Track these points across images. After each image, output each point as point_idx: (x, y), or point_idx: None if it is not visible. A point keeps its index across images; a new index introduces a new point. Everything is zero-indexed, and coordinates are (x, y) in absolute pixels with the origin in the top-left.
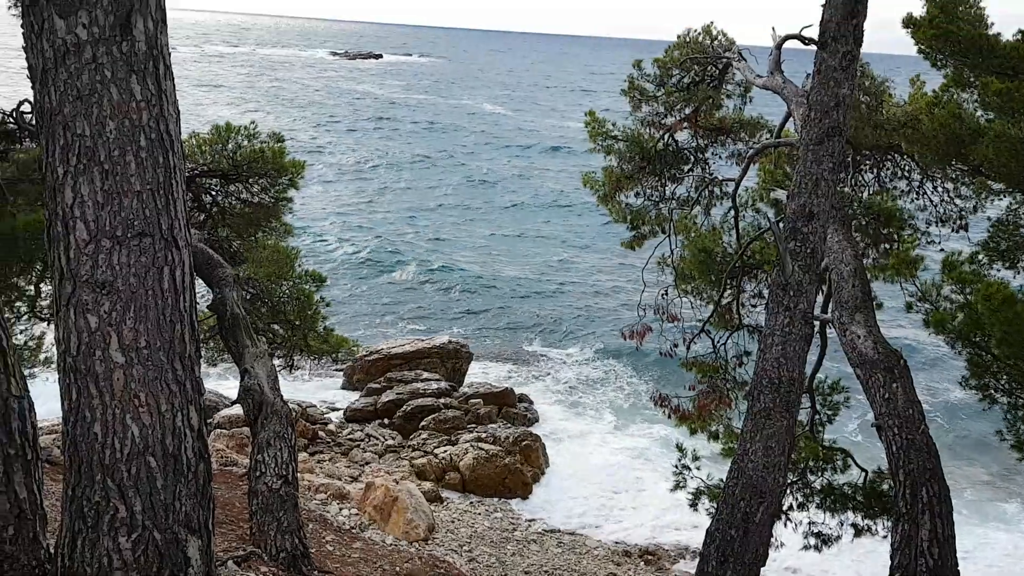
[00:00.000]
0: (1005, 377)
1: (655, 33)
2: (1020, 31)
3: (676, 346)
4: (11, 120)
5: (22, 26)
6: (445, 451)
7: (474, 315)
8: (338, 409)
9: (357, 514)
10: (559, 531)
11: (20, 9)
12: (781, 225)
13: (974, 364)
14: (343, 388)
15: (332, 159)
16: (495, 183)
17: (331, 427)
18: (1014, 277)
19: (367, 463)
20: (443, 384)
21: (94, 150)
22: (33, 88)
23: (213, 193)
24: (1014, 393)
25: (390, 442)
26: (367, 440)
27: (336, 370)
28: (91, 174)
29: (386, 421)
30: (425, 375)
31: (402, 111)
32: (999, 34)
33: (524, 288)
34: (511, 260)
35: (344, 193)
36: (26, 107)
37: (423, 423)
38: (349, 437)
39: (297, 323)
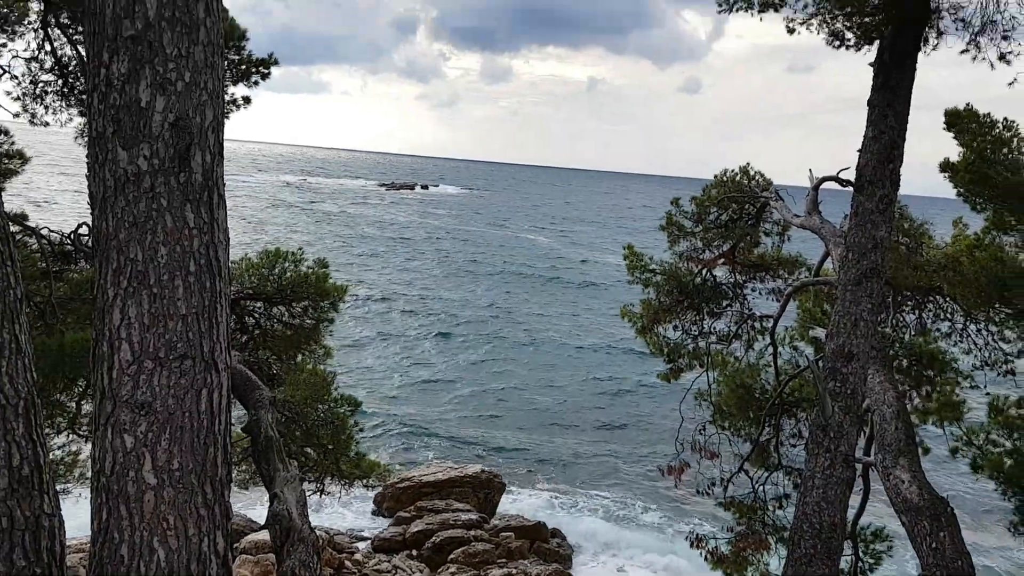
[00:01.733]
0: None
1: (696, 172)
2: None
3: (714, 484)
4: (68, 242)
5: (87, 156)
6: None
7: (509, 443)
8: (366, 538)
9: None
10: None
11: (86, 140)
12: (820, 364)
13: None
14: (373, 514)
15: (376, 281)
16: (534, 312)
17: (358, 556)
18: None
19: None
20: (474, 515)
21: (145, 274)
22: (92, 213)
23: (256, 315)
24: None
25: (417, 575)
26: (394, 572)
27: (367, 495)
28: (139, 297)
29: (415, 552)
30: (456, 505)
31: (448, 242)
32: None
33: (560, 418)
34: (547, 389)
35: (384, 317)
36: (83, 230)
37: (452, 555)
38: (376, 568)
39: (330, 447)
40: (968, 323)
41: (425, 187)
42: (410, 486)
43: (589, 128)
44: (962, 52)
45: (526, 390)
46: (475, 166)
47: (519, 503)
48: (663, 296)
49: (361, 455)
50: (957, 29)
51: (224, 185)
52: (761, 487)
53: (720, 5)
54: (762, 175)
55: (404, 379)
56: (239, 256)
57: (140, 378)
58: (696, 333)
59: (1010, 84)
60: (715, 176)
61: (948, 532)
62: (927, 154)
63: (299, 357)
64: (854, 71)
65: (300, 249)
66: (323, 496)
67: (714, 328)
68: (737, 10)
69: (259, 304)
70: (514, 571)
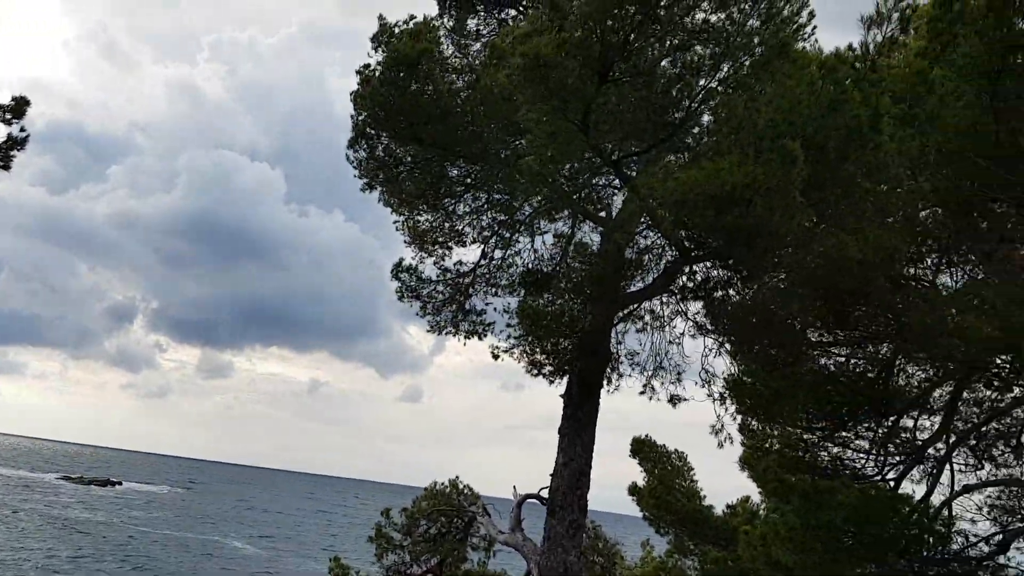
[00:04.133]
0: None
1: (414, 480)
2: (728, 505)
3: None
4: None
5: None
6: None
7: None
8: None
9: None
10: None
11: None
12: None
13: None
14: None
15: None
16: None
17: None
18: None
19: None
20: None
21: None
22: None
23: None
24: None
25: None
26: None
27: None
28: None
29: None
30: None
31: (143, 544)
32: (711, 507)
33: None
34: None
35: None
36: None
37: None
38: None
39: None
40: None
41: (118, 483)
42: None
43: (311, 429)
44: (640, 393)
45: None
46: (186, 463)
47: None
48: None
49: None
50: (632, 372)
51: None
52: None
53: (430, 328)
54: (471, 488)
55: None
56: None
57: None
58: None
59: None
60: (426, 488)
61: None
62: (623, 473)
63: None
64: (558, 391)
65: None
66: None
67: None
68: (446, 334)
69: None
70: None
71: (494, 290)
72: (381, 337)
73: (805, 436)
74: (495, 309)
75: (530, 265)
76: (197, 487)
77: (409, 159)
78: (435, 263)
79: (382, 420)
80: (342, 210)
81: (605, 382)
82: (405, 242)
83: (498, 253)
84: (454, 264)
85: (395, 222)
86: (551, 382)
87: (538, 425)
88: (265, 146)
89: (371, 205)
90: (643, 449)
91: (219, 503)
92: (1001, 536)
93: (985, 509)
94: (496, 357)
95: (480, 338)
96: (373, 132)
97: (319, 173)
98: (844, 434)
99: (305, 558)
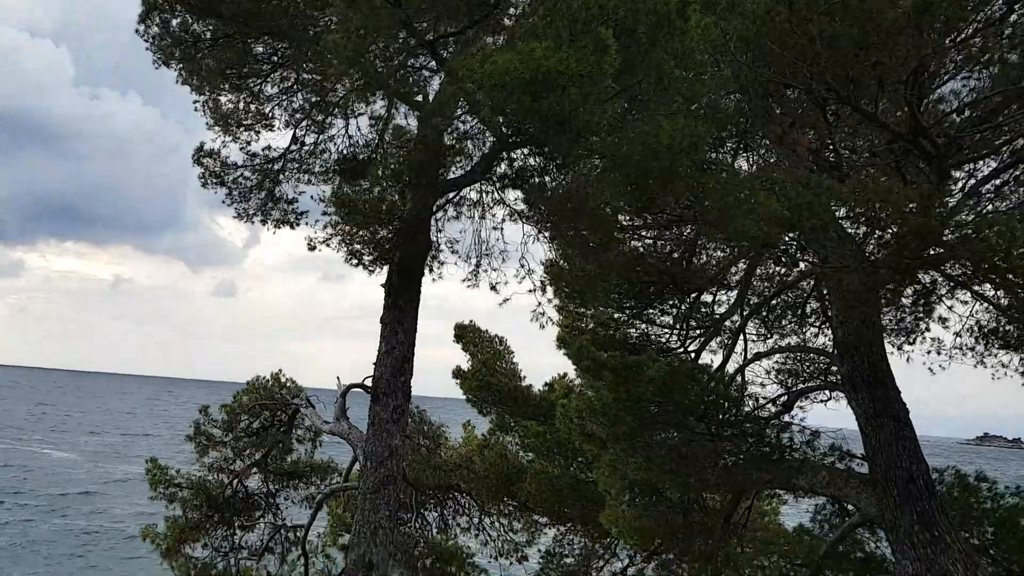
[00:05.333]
0: None
1: (233, 375)
2: (546, 383)
3: None
4: None
5: None
6: None
7: None
8: None
9: None
10: None
11: None
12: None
13: None
14: None
15: None
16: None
17: None
18: None
19: None
20: None
21: None
22: None
23: None
24: None
25: None
26: None
27: None
28: None
29: None
30: None
31: None
32: (530, 386)
33: None
34: None
35: None
36: None
37: None
38: None
39: None
40: (483, 516)
41: None
42: None
43: (118, 328)
44: (462, 280)
45: None
46: None
47: None
48: (190, 512)
49: None
50: (455, 260)
51: None
52: None
53: (237, 215)
54: (294, 381)
55: None
56: None
57: None
58: (227, 549)
59: (501, 304)
60: (247, 383)
61: None
62: (447, 358)
63: None
64: (379, 281)
65: None
66: None
67: (246, 542)
68: (256, 222)
69: None
70: None
71: (307, 177)
72: (189, 230)
73: (616, 315)
74: (311, 197)
75: (345, 151)
76: None
77: (208, 35)
78: (241, 148)
79: (194, 317)
80: (139, 93)
81: (427, 270)
82: (207, 124)
83: (310, 138)
84: (262, 149)
85: (195, 102)
86: (371, 272)
87: (361, 316)
88: (45, 19)
89: (170, 86)
90: (466, 334)
91: (17, 409)
92: (786, 397)
93: (773, 373)
94: (312, 248)
95: (292, 227)
96: (167, 4)
97: (109, 51)
98: (651, 311)
99: (122, 462)
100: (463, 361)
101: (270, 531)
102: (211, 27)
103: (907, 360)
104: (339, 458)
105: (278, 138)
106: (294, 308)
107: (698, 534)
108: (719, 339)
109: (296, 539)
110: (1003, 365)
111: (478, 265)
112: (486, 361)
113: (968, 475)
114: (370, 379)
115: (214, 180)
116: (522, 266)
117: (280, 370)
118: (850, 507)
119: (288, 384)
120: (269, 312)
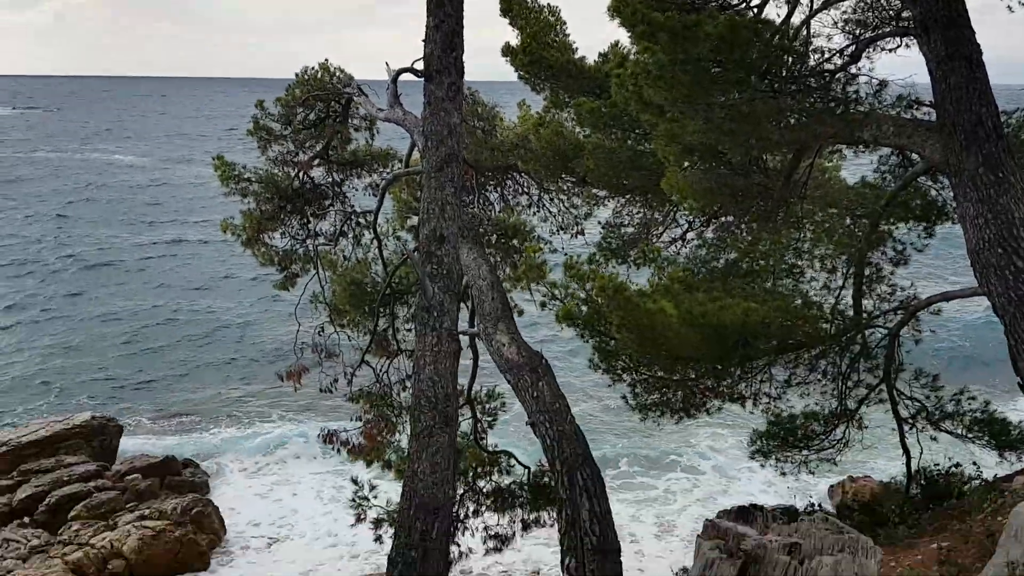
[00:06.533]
0: (625, 358)
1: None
2: (600, 54)
3: (336, 381)
4: None
5: None
6: (103, 538)
7: (119, 381)
8: None
9: None
10: None
11: None
12: (417, 251)
13: (599, 349)
14: None
15: None
16: (130, 234)
17: None
18: (626, 271)
19: (10, 572)
20: (91, 466)
21: None
22: None
23: None
24: (634, 370)
25: (35, 542)
26: (5, 546)
27: None
28: None
29: (27, 520)
30: (68, 460)
31: (26, 169)
32: (583, 58)
33: (170, 344)
34: (153, 314)
35: None
36: None
37: (73, 512)
38: None
39: None
40: (542, 194)
41: None
42: (6, 451)
43: (159, 30)
44: None
45: (126, 321)
46: (23, 81)
47: (142, 442)
48: (264, 204)
49: None
50: None
51: None
52: (384, 374)
53: None
54: (343, 70)
55: None
56: None
57: None
58: (304, 237)
59: None
60: (296, 75)
61: (545, 381)
62: (491, 39)
63: None
64: None
65: None
66: None
67: (320, 229)
68: None
69: None
70: (147, 512)
71: None
72: None
73: None
74: None
75: None
76: (45, 106)
77: None
78: None
79: (226, 11)
80: None
81: None
82: None
83: None
84: None
85: None
86: None
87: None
88: None
89: None
90: (514, 6)
91: (73, 119)
92: (854, 47)
93: (840, 24)
94: None
95: None
96: None
97: None
98: None
99: (189, 164)
100: (512, 37)
101: (341, 218)
102: None
103: None
104: (397, 145)
105: None
106: None
107: (759, 194)
108: None
109: (367, 223)
110: None
111: None
112: (536, 34)
113: None
114: (419, 61)
115: None
116: None
117: (327, 59)
118: (914, 156)
119: (337, 73)
120: (298, 3)
